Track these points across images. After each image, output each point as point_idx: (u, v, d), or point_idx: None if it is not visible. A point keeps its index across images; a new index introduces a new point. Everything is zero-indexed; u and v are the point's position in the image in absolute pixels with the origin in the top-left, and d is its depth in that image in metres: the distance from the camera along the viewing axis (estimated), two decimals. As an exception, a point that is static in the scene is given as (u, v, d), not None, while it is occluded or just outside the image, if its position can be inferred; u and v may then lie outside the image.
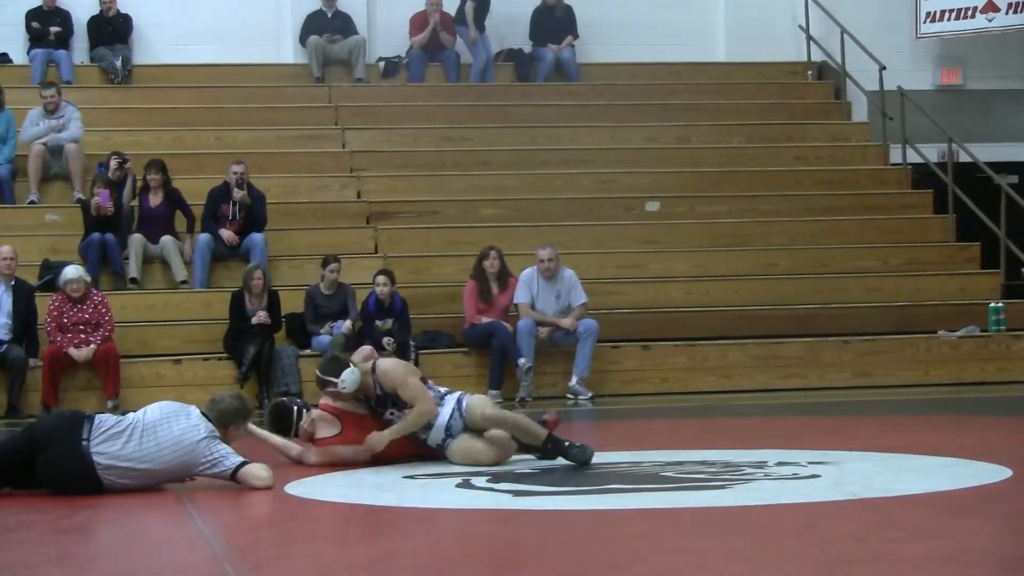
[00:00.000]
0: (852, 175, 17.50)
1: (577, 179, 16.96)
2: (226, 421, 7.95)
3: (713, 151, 17.69)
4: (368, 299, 14.07)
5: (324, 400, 8.93)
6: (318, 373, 8.79)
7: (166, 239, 14.73)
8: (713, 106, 18.42)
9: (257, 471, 7.82)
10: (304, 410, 8.95)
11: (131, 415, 7.92)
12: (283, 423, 8.94)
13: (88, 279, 13.72)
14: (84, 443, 7.72)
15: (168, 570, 5.94)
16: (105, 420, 7.85)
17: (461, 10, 18.63)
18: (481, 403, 8.69)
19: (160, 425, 7.80)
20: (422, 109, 17.98)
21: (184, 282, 14.64)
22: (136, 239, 14.62)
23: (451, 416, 8.59)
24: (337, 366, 8.69)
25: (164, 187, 14.96)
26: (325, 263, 14.14)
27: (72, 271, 13.64)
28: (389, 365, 8.74)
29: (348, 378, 8.60)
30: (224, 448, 7.81)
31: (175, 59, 18.29)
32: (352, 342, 13.68)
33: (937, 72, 19.45)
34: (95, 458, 7.72)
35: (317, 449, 8.83)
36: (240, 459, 7.83)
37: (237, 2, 18.61)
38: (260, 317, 13.76)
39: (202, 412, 7.89)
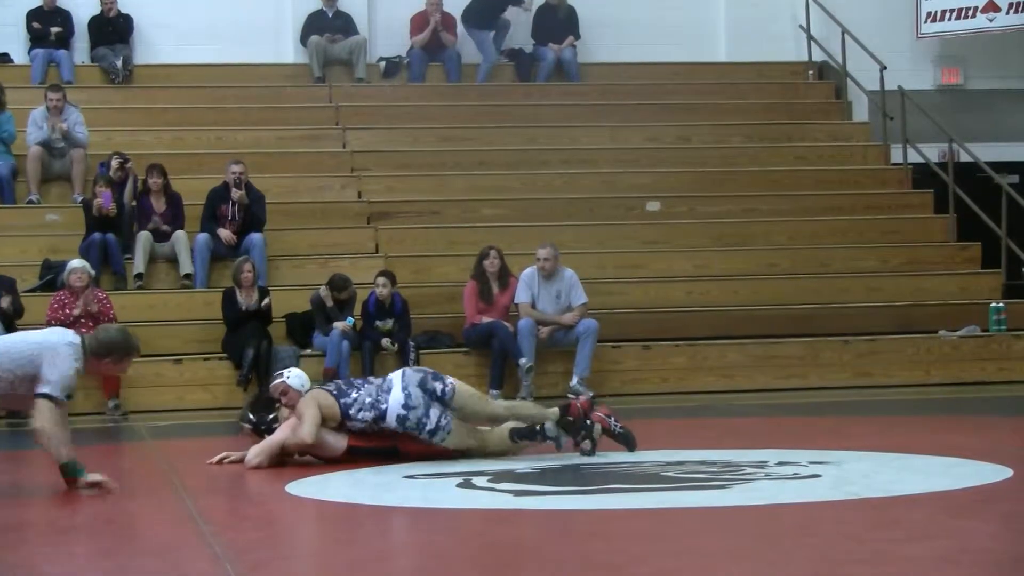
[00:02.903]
0: (853, 175, 17.49)
1: (578, 179, 16.96)
2: (103, 352, 7.75)
3: (713, 151, 17.69)
4: (368, 300, 14.07)
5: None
6: (268, 386, 9.06)
7: (178, 234, 14.75)
8: (713, 106, 18.41)
9: (47, 412, 7.57)
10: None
11: None
12: (269, 406, 9.01)
13: (92, 272, 13.74)
14: None
15: (168, 570, 5.94)
16: None
17: (481, 14, 18.52)
18: (473, 403, 8.81)
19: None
20: (423, 109, 17.98)
21: (188, 275, 14.64)
22: (144, 236, 14.64)
23: (405, 399, 8.62)
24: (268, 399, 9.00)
25: (165, 191, 14.99)
26: (340, 288, 13.96)
27: (77, 261, 13.73)
28: (304, 397, 8.77)
29: (294, 371, 8.89)
30: (60, 374, 7.61)
31: (176, 59, 18.30)
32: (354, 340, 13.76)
33: (938, 72, 19.44)
34: None
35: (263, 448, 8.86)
36: (58, 393, 7.62)
37: (237, 2, 18.60)
38: (255, 300, 13.75)
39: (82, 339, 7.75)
